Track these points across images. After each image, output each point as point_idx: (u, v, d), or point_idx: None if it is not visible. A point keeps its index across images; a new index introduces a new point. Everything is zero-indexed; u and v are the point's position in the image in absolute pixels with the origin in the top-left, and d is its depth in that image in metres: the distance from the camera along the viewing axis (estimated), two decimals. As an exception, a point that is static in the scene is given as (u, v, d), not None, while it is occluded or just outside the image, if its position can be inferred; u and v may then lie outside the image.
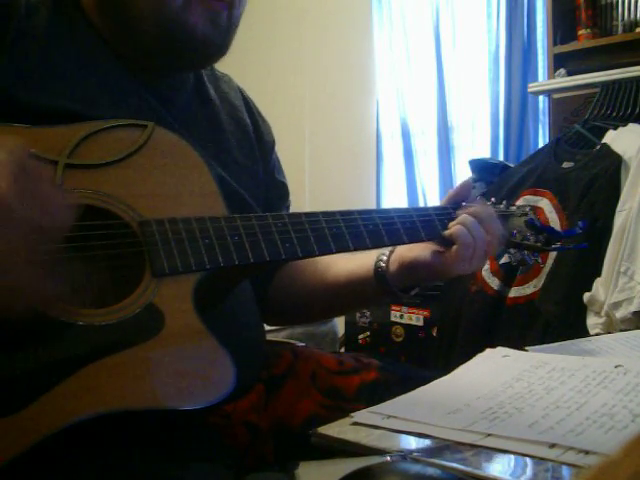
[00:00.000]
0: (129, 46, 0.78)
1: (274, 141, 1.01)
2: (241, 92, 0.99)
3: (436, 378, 0.74)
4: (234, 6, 0.79)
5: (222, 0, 0.77)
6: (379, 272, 0.88)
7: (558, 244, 0.97)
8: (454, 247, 0.80)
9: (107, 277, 0.64)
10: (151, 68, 0.81)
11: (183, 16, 0.75)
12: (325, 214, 0.75)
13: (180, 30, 0.75)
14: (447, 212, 0.85)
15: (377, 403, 0.66)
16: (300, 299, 0.98)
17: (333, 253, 0.74)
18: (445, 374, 0.76)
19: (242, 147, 0.91)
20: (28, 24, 0.72)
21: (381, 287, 0.88)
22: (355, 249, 0.75)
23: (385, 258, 0.88)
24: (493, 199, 0.93)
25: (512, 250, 0.93)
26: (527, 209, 0.95)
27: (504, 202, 0.94)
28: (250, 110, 0.98)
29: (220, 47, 0.81)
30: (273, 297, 0.98)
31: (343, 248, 0.74)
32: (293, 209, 1.01)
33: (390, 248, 0.88)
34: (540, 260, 0.95)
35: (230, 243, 0.66)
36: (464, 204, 0.87)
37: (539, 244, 0.92)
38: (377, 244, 0.77)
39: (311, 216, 0.73)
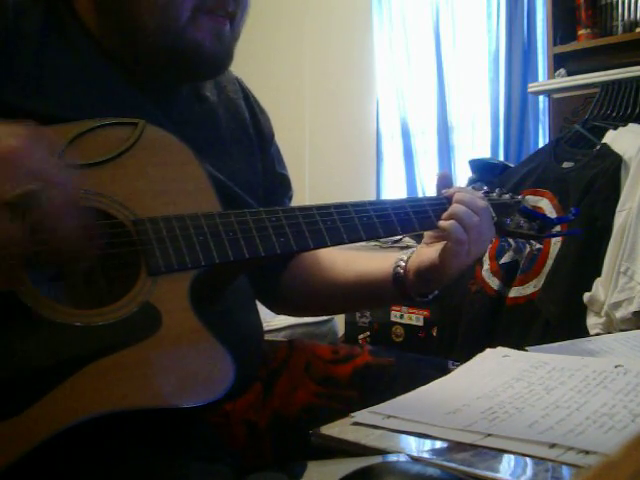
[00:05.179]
0: (133, 58, 0.77)
1: (273, 133, 1.00)
2: (239, 83, 0.98)
3: (428, 361, 0.74)
4: (236, 18, 0.79)
5: (225, 15, 0.77)
6: (398, 278, 0.88)
7: (552, 231, 0.97)
8: (448, 243, 0.80)
9: (103, 277, 0.64)
10: (143, 70, 0.80)
11: (189, 32, 0.74)
12: (319, 208, 0.75)
13: (187, 46, 0.75)
14: (441, 202, 0.85)
15: (370, 388, 0.66)
16: (314, 293, 0.98)
17: (328, 246, 0.75)
18: (434, 357, 0.76)
19: (239, 142, 0.91)
20: (17, 26, 0.71)
21: (398, 292, 0.89)
22: (350, 242, 0.75)
23: (403, 264, 0.88)
24: (485, 187, 0.93)
25: (506, 238, 0.93)
26: (519, 197, 0.95)
27: (496, 190, 0.94)
28: (248, 102, 0.97)
29: (225, 60, 0.80)
30: (285, 288, 0.98)
31: (338, 241, 0.74)
32: (293, 209, 1.01)
33: (408, 254, 0.89)
34: (536, 249, 0.95)
35: (225, 239, 0.66)
36: (456, 187, 0.87)
37: (532, 232, 0.93)
38: (371, 236, 0.77)
39: (305, 210, 0.74)
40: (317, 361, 0.86)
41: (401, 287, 0.88)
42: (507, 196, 0.94)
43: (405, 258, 0.88)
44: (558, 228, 1.02)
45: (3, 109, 0.67)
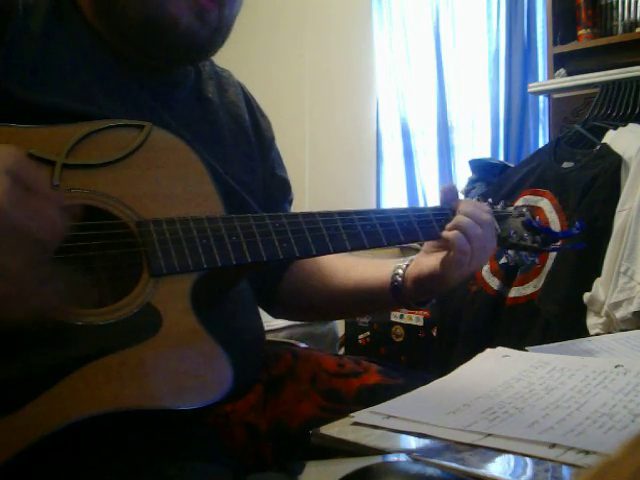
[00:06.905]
0: (119, 39, 0.78)
1: (273, 137, 1.01)
2: (241, 88, 0.98)
3: None
4: (225, 4, 0.78)
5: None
6: (395, 286, 0.88)
7: (556, 244, 0.97)
8: (451, 254, 0.80)
9: (105, 277, 0.64)
10: (145, 64, 0.81)
11: (167, 5, 0.75)
12: (322, 214, 0.75)
13: (163, 19, 0.75)
14: (445, 212, 0.85)
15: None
16: (312, 299, 0.98)
17: (331, 253, 0.74)
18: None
19: (240, 144, 0.91)
20: (25, 23, 0.72)
21: (395, 300, 0.89)
22: (352, 249, 0.75)
23: (401, 272, 0.88)
24: (490, 200, 0.94)
25: (509, 251, 0.93)
26: (524, 209, 0.95)
27: (501, 202, 0.94)
28: (250, 106, 0.97)
29: (207, 44, 0.80)
30: (284, 293, 0.98)
31: (340, 249, 0.74)
32: (293, 209, 1.01)
33: (406, 262, 0.89)
34: (537, 260, 0.95)
35: (228, 243, 0.66)
36: (461, 200, 0.87)
37: (536, 245, 0.92)
38: (374, 244, 0.77)
39: (308, 216, 0.73)
40: (322, 373, 0.86)
41: (398, 295, 0.88)
42: (511, 208, 0.94)
43: (403, 266, 0.89)
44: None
45: (10, 101, 0.67)
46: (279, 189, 1.00)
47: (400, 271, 0.88)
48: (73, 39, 0.76)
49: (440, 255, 0.83)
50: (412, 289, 0.87)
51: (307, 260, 0.98)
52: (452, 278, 0.82)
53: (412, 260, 0.89)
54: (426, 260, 0.85)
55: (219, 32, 0.80)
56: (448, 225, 0.82)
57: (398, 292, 0.88)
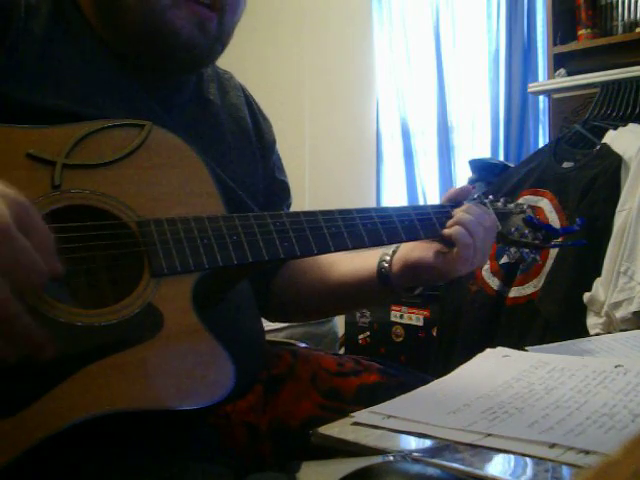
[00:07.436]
0: (119, 42, 0.78)
1: (275, 140, 1.01)
2: (243, 90, 0.99)
3: None
4: (225, 13, 0.79)
5: (211, 9, 0.77)
6: (382, 272, 0.88)
7: (556, 241, 0.97)
8: (455, 249, 0.80)
9: (106, 277, 0.64)
10: (145, 68, 0.81)
11: (169, 15, 0.75)
12: (323, 213, 0.75)
13: (164, 29, 0.75)
14: (445, 211, 0.85)
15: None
16: (303, 297, 0.98)
17: (332, 252, 0.75)
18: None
19: (241, 147, 0.91)
20: (27, 25, 0.72)
21: (384, 287, 0.89)
22: (353, 248, 0.75)
23: (388, 258, 0.88)
24: (491, 196, 0.94)
25: (510, 248, 0.93)
26: (525, 207, 0.95)
27: (502, 200, 0.94)
28: (251, 108, 0.98)
29: (206, 53, 0.80)
30: (275, 294, 0.98)
31: (341, 247, 0.74)
32: (293, 209, 1.01)
33: (393, 248, 0.89)
34: (539, 257, 0.95)
35: (229, 243, 0.66)
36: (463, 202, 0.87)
37: (537, 241, 0.93)
38: (375, 243, 0.78)
39: (309, 215, 0.74)
40: (322, 373, 0.86)
41: (386, 281, 0.88)
42: (512, 205, 0.94)
43: (390, 252, 0.89)
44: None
45: (10, 103, 0.67)
46: (279, 192, 1.00)
47: (387, 257, 0.88)
48: (74, 41, 0.76)
49: (433, 245, 0.83)
50: (399, 274, 0.87)
51: (293, 260, 0.97)
52: (454, 273, 0.82)
53: (398, 246, 0.88)
54: (421, 248, 0.85)
55: (219, 40, 0.81)
56: (449, 222, 0.82)
57: (385, 278, 0.88)
